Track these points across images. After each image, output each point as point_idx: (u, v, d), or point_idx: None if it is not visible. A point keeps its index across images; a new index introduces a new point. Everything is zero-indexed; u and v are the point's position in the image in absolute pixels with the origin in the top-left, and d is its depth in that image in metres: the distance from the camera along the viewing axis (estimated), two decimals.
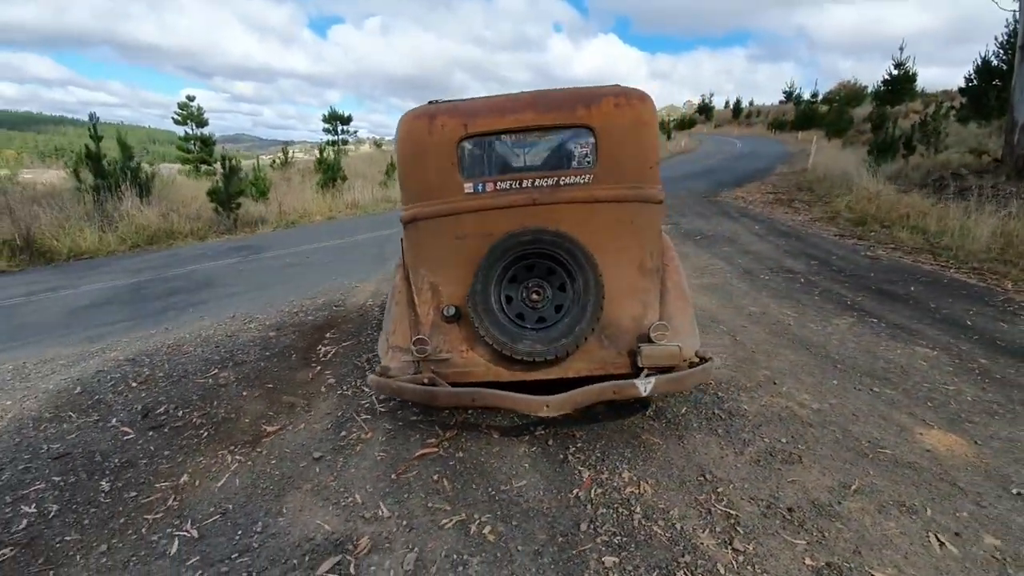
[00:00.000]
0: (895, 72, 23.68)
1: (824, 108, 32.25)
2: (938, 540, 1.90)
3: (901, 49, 23.78)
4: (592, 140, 2.52)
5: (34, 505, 2.24)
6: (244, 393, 3.18)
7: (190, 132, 23.76)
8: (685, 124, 45.63)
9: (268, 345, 3.89)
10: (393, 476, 2.34)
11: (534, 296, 2.43)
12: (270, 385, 3.27)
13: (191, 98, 23.84)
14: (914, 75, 24.08)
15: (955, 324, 3.98)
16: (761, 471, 2.30)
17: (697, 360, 2.41)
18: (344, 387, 3.22)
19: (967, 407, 2.80)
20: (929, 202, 8.13)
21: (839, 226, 8.07)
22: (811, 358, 3.42)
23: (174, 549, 1.97)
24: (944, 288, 4.90)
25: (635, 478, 2.28)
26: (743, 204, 10.40)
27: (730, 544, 1.90)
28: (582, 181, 2.52)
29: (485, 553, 1.89)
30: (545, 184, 2.52)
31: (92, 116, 10.74)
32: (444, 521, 2.05)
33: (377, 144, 33.65)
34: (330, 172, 15.36)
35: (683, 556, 1.85)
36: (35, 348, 4.20)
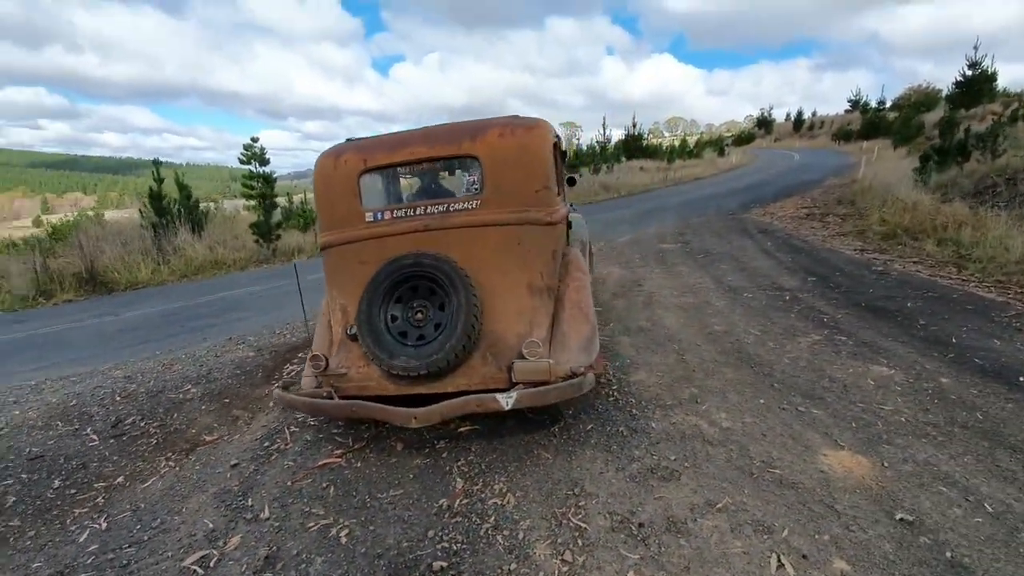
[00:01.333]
0: (969, 72, 22.04)
1: (893, 115, 30.41)
2: (778, 561, 1.86)
3: (976, 47, 22.13)
4: (479, 169, 2.70)
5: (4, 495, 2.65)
6: (203, 407, 3.54)
7: (253, 171, 26.10)
8: (743, 139, 44.39)
9: (242, 364, 4.28)
10: (289, 483, 2.56)
11: (418, 316, 2.61)
12: (227, 400, 3.62)
13: (255, 139, 25.93)
14: (993, 74, 22.28)
15: (936, 342, 3.73)
16: (634, 487, 2.32)
17: (569, 375, 2.48)
18: None
19: (894, 429, 2.66)
20: (972, 212, 7.56)
21: (865, 240, 7.66)
22: (752, 377, 3.35)
23: (83, 538, 2.28)
24: (948, 303, 4.59)
25: (505, 490, 2.37)
26: (769, 221, 10.05)
27: (561, 555, 1.95)
28: (470, 207, 2.70)
29: (331, 554, 2.05)
30: (436, 211, 2.72)
31: (156, 162, 12.14)
32: (311, 525, 2.24)
33: None
34: None
35: (512, 564, 1.93)
36: (61, 368, 4.84)
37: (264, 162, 27.83)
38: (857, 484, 2.26)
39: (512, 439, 2.81)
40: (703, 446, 2.61)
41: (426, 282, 2.59)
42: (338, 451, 2.81)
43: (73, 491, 2.67)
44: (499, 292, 2.68)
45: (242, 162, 27.65)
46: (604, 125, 38.32)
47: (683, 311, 4.80)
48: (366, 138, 2.98)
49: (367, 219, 2.78)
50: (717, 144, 35.09)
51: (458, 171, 2.84)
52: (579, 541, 2.03)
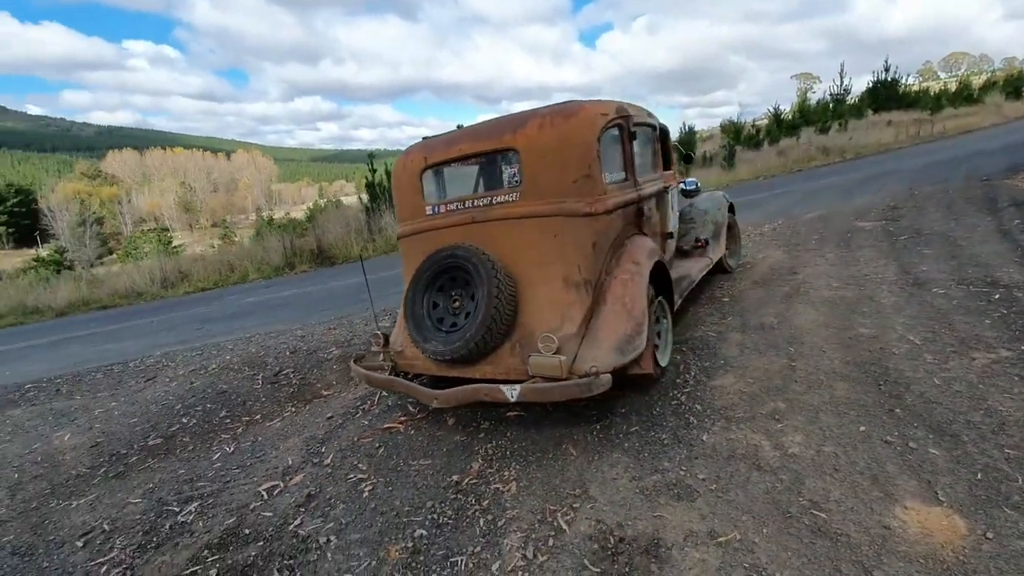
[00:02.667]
0: None
1: None
2: None
3: None
4: (518, 161, 2.74)
5: (188, 418, 3.75)
6: (335, 367, 4.35)
7: None
8: None
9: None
10: (356, 439, 3.06)
11: (455, 304, 2.81)
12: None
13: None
14: None
15: None
16: (639, 500, 2.19)
17: (585, 375, 2.40)
18: None
19: (1015, 493, 1.94)
20: None
21: None
22: (870, 397, 2.72)
23: (215, 457, 3.12)
24: None
25: (513, 478, 2.46)
26: None
27: (526, 550, 1.99)
28: (510, 199, 2.77)
29: (351, 504, 2.44)
30: (482, 204, 2.86)
31: (370, 155, 14.52)
32: (351, 476, 2.67)
33: None
34: None
35: (477, 547, 2.05)
36: (271, 325, 6.37)
37: None
38: (928, 552, 1.76)
39: (550, 430, 2.84)
40: (748, 470, 2.29)
41: (462, 273, 2.76)
42: (403, 418, 3.22)
43: (228, 421, 3.62)
44: (535, 284, 2.71)
45: None
46: (841, 73, 32.36)
47: (830, 307, 4.03)
48: (436, 136, 3.24)
49: (427, 212, 3.06)
50: (1010, 85, 26.53)
51: (501, 164, 2.91)
52: (551, 541, 2.03)
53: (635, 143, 3.21)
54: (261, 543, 2.26)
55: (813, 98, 32.31)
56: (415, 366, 2.98)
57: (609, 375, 2.39)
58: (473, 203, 2.90)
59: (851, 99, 31.32)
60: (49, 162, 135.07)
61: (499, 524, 2.16)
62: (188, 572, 2.14)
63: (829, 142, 20.22)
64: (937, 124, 21.69)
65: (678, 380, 3.19)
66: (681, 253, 4.65)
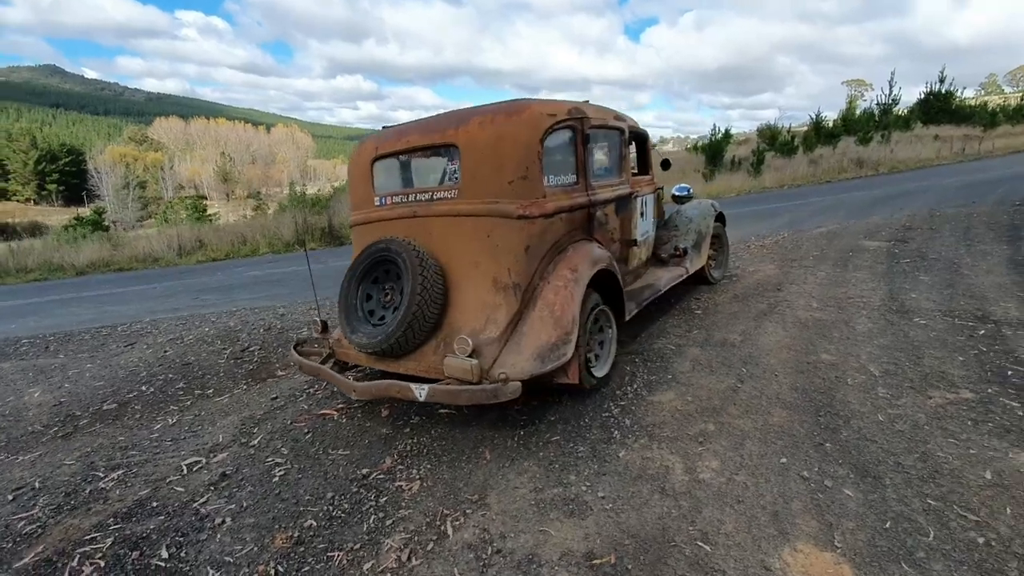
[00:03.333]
0: None
1: None
2: None
3: None
4: (459, 158, 2.69)
5: (147, 386, 3.85)
6: None
7: None
8: None
9: None
10: (290, 422, 3.09)
11: (387, 297, 2.79)
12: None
13: None
14: None
15: None
16: (531, 513, 2.15)
17: (499, 380, 2.35)
18: None
19: (955, 551, 1.83)
20: None
21: None
22: (805, 428, 2.60)
23: (156, 427, 3.19)
24: None
25: (420, 476, 2.44)
26: None
27: (403, 552, 1.98)
28: (449, 196, 2.73)
29: (259, 487, 2.46)
30: (424, 199, 2.83)
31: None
32: (269, 459, 2.69)
33: (695, 146, 28.35)
34: None
35: (358, 545, 2.05)
36: (260, 300, 6.48)
37: None
38: None
39: (475, 431, 2.81)
40: (650, 492, 2.22)
41: (395, 266, 2.74)
42: (340, 405, 3.24)
43: (182, 393, 3.70)
44: (466, 284, 2.68)
45: None
46: (891, 81, 30.97)
47: (800, 329, 3.88)
48: (394, 126, 3.21)
49: (375, 203, 3.04)
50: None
51: (445, 159, 2.85)
52: (431, 546, 2.01)
53: (593, 147, 3.12)
54: (162, 517, 2.30)
55: (863, 106, 31.01)
56: (351, 356, 2.98)
57: (519, 383, 2.34)
58: (416, 197, 2.86)
59: (900, 110, 29.95)
60: (101, 125, 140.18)
61: (387, 523, 2.15)
62: (88, 538, 2.20)
63: (867, 154, 19.40)
64: (987, 141, 20.56)
65: (618, 392, 3.11)
66: (659, 261, 4.54)
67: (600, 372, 3.03)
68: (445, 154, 2.82)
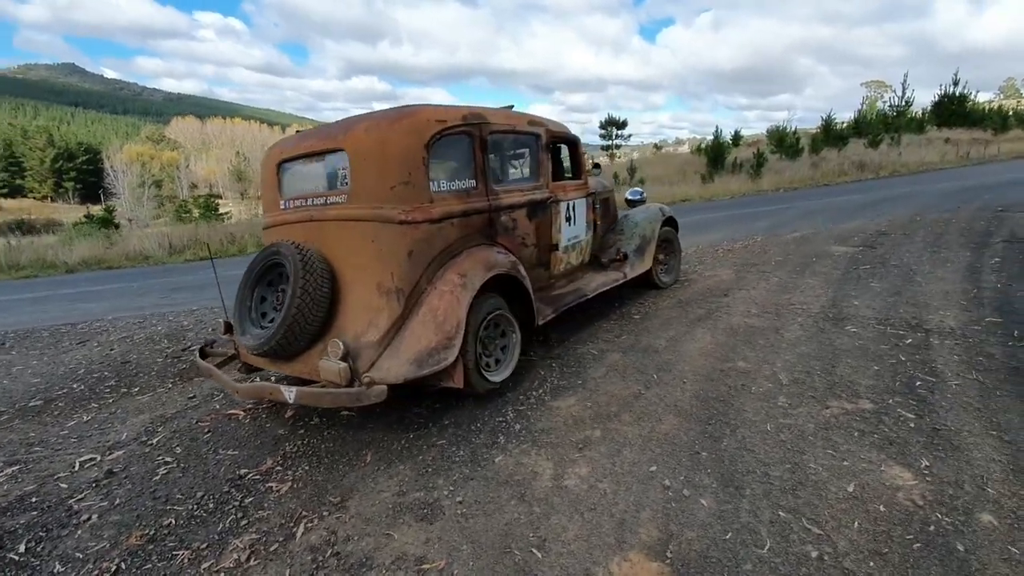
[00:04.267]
0: None
1: None
2: None
3: None
4: (347, 163, 2.72)
5: (79, 384, 3.93)
6: None
7: None
8: None
9: None
10: (196, 421, 3.14)
11: (279, 299, 2.82)
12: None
13: (510, 106, 29.08)
14: None
15: None
16: (384, 517, 2.16)
17: (362, 384, 2.38)
18: None
19: (751, 560, 1.81)
20: None
21: None
22: (688, 436, 2.58)
23: (69, 424, 3.26)
24: None
25: (293, 478, 2.47)
26: None
27: (245, 552, 2.01)
28: (339, 201, 2.76)
29: (139, 485, 2.51)
30: (319, 203, 2.86)
31: None
32: (159, 459, 2.74)
33: (698, 148, 27.40)
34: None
35: (203, 545, 2.08)
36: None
37: None
38: None
39: (367, 434, 2.84)
40: (509, 498, 2.22)
41: (284, 269, 2.77)
42: (249, 406, 3.28)
43: (108, 391, 3.77)
44: (354, 288, 2.70)
45: None
46: (904, 84, 30.45)
47: (728, 335, 3.84)
48: (301, 131, 3.25)
49: (280, 207, 3.08)
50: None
51: (338, 165, 2.87)
52: (274, 547, 2.04)
53: (498, 152, 3.12)
54: (36, 513, 2.36)
55: (882, 107, 30.49)
56: (250, 358, 3.02)
57: (383, 388, 2.36)
58: (313, 201, 2.89)
59: (913, 112, 29.42)
60: (119, 124, 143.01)
61: (243, 523, 2.18)
62: None
63: (872, 157, 19.09)
64: (994, 145, 20.13)
65: (522, 397, 3.12)
66: (599, 265, 4.53)
67: (498, 377, 3.04)
68: (337, 159, 2.85)
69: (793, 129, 23.69)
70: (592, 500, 2.17)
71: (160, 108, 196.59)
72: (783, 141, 25.48)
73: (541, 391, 3.18)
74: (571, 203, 3.86)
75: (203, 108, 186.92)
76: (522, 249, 3.32)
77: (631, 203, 5.43)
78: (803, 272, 5.49)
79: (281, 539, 2.08)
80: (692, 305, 4.63)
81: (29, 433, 3.19)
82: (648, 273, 4.89)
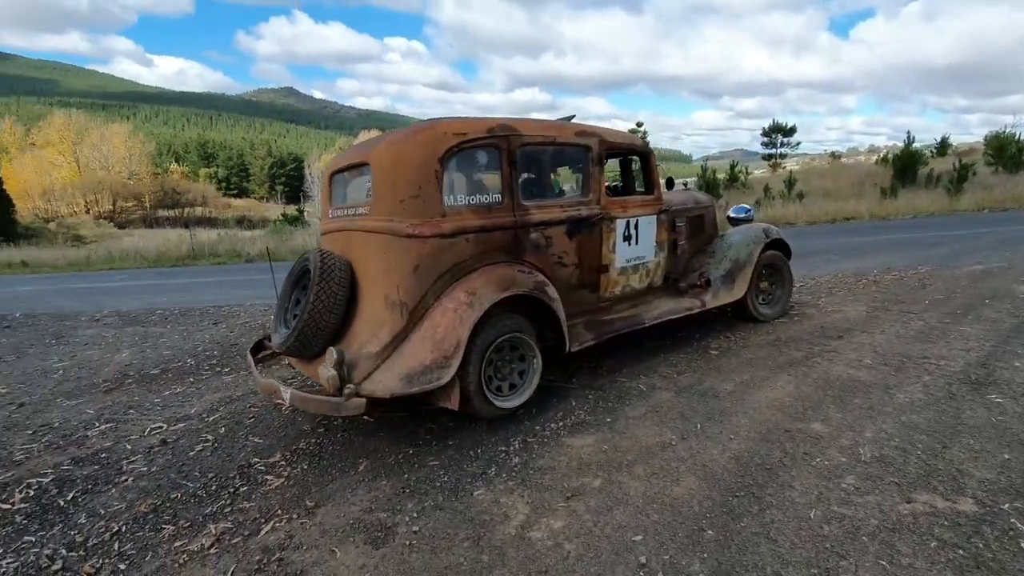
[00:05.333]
0: None
1: None
2: None
3: None
4: (371, 176, 2.79)
5: (192, 359, 4.62)
6: None
7: None
8: None
9: None
10: (248, 405, 3.48)
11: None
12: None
13: (639, 124, 28.17)
14: None
15: None
16: (340, 532, 2.14)
17: (344, 395, 2.39)
18: None
19: None
20: None
21: None
22: (700, 507, 2.16)
23: (167, 393, 3.83)
24: None
25: (290, 474, 2.58)
26: None
27: (209, 540, 2.14)
28: (364, 212, 2.85)
29: (174, 457, 2.84)
30: (351, 214, 2.99)
31: None
32: (204, 435, 3.08)
33: (884, 158, 22.90)
34: (711, 189, 15.49)
35: (185, 524, 2.26)
36: None
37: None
38: None
39: (374, 443, 2.87)
40: (464, 539, 2.06)
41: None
42: None
43: (208, 368, 4.36)
44: (368, 297, 2.77)
45: None
46: None
47: (818, 388, 3.17)
48: (354, 144, 3.43)
49: (329, 215, 3.29)
50: None
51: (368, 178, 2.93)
52: (237, 540, 2.13)
53: (533, 166, 2.95)
54: (97, 467, 2.80)
55: None
56: (288, 357, 3.26)
57: (362, 400, 2.36)
58: (348, 212, 3.03)
59: None
60: (321, 137, 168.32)
61: (226, 510, 2.33)
62: (43, 471, 2.77)
63: None
64: None
65: (537, 427, 2.91)
66: (677, 290, 4.09)
67: (509, 404, 2.86)
68: (366, 172, 2.94)
69: (1018, 136, 19.15)
70: (548, 561, 1.92)
71: (353, 123, 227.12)
72: (1003, 151, 20.74)
73: (561, 424, 2.93)
74: (632, 221, 3.52)
75: (386, 122, 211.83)
76: (558, 269, 3.10)
77: (734, 221, 4.81)
78: (963, 317, 4.34)
79: (246, 533, 2.18)
80: (789, 346, 3.92)
81: (135, 397, 3.83)
82: (742, 303, 4.28)
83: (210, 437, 3.06)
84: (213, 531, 2.21)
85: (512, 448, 2.71)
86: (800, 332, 4.23)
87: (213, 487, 2.54)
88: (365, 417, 3.15)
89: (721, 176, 20.66)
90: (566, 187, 3.40)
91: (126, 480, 2.66)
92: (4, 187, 30.62)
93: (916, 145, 20.56)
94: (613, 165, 3.92)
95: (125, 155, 59.78)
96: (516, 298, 2.80)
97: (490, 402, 2.78)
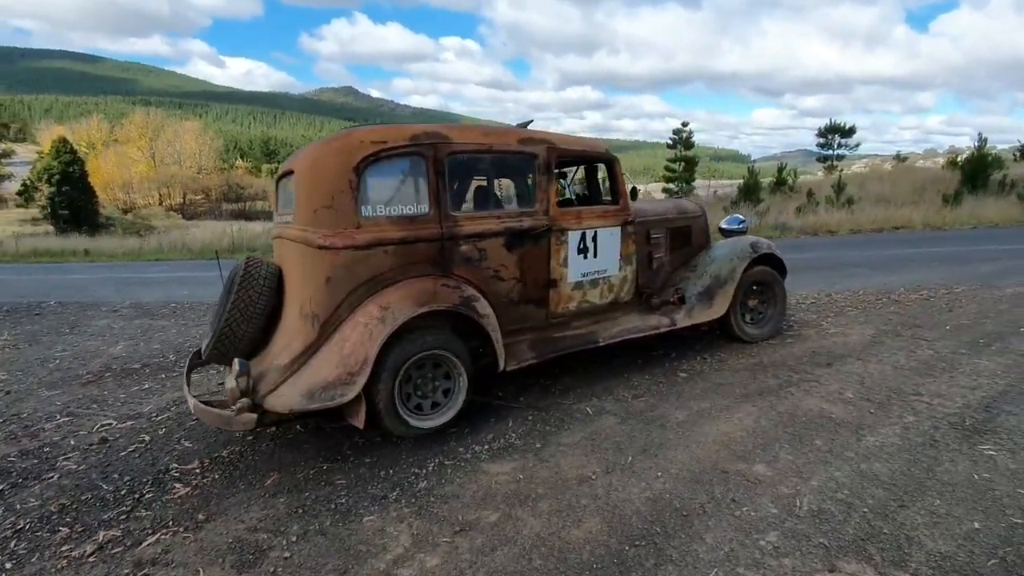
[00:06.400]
0: None
1: None
2: None
3: None
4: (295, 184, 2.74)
5: (175, 355, 4.75)
6: None
7: (678, 154, 27.34)
8: None
9: None
10: None
11: None
12: None
13: (685, 124, 27.32)
14: None
15: None
16: (216, 551, 2.09)
17: (241, 407, 2.34)
18: None
19: None
20: None
21: None
22: (593, 554, 1.97)
23: (141, 388, 3.94)
24: None
25: (201, 484, 2.56)
26: None
27: (93, 548, 2.14)
28: (290, 221, 2.80)
29: (106, 455, 2.89)
30: (283, 221, 2.95)
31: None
32: (144, 434, 3.12)
33: (952, 162, 20.42)
34: (750, 192, 14.81)
35: (83, 518, 2.27)
36: None
37: (688, 145, 28.96)
38: None
39: (294, 454, 2.81)
40: (329, 571, 1.96)
41: None
42: None
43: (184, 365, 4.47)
44: (288, 307, 2.73)
45: (669, 146, 29.62)
46: None
47: (780, 423, 2.88)
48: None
49: (276, 220, 3.26)
50: None
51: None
52: (117, 551, 2.12)
53: (462, 174, 2.81)
54: (36, 461, 2.88)
55: None
56: None
57: (252, 416, 2.31)
58: (284, 219, 2.99)
59: None
60: None
61: (122, 517, 2.32)
62: None
63: None
64: None
65: (461, 448, 2.77)
66: (649, 306, 3.84)
67: (428, 423, 2.74)
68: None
69: None
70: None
71: (406, 121, 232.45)
72: None
73: (487, 447, 2.78)
74: (589, 233, 3.30)
75: (438, 120, 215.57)
76: (495, 283, 2.95)
77: (726, 233, 4.50)
78: (984, 348, 3.87)
79: (129, 544, 2.16)
80: (768, 372, 3.61)
81: (104, 391, 3.96)
82: (724, 322, 3.98)
83: (147, 438, 3.10)
84: (101, 538, 2.20)
85: (425, 471, 2.59)
86: (786, 356, 3.88)
87: (123, 491, 2.55)
88: (298, 427, 3.12)
89: (766, 180, 19.67)
90: (509, 197, 3.24)
91: (52, 477, 2.72)
92: (89, 180, 33.08)
93: (1000, 147, 18.79)
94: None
95: (196, 151, 63.41)
96: (442, 313, 2.68)
97: (404, 421, 2.66)
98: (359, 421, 2.51)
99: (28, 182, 41.66)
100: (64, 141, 34.61)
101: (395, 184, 2.72)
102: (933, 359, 3.68)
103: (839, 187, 15.16)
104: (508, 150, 2.98)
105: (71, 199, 30.71)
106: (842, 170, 22.59)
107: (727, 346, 4.13)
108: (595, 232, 3.34)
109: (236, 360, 2.50)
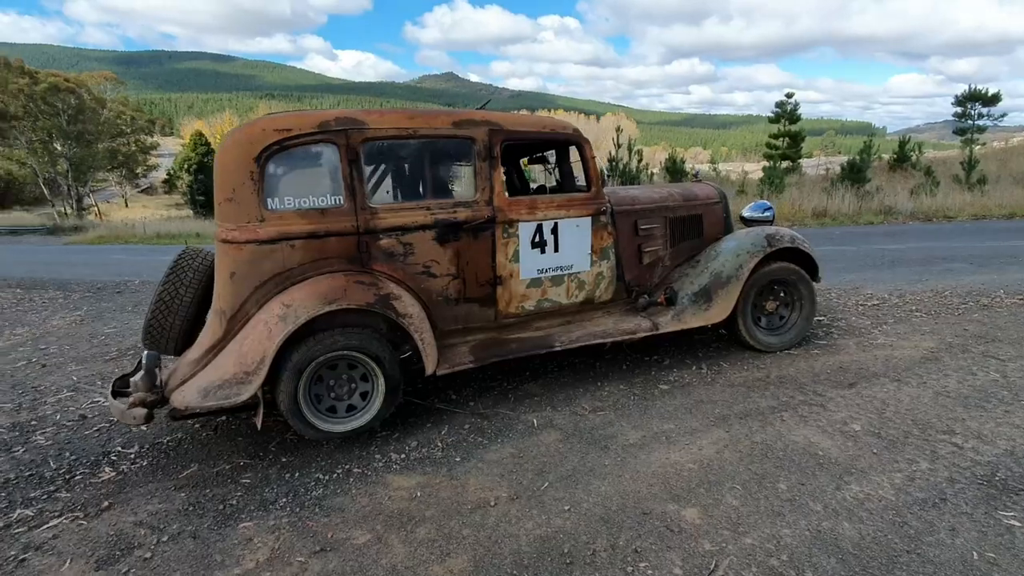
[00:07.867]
0: None
1: None
2: None
3: None
4: None
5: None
6: None
7: (782, 129, 24.74)
8: None
9: None
10: None
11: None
12: None
13: (790, 95, 24.57)
14: None
15: None
16: (95, 545, 2.13)
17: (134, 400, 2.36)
18: None
19: None
20: None
21: None
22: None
23: None
24: None
25: (129, 470, 2.65)
26: None
27: (2, 523, 2.27)
28: None
29: (72, 431, 3.10)
30: None
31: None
32: None
33: None
34: (856, 171, 13.12)
35: (11, 496, 2.43)
36: None
37: (794, 120, 26.21)
38: None
39: (229, 445, 2.83)
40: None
41: None
42: None
43: None
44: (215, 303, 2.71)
45: (771, 120, 26.98)
46: None
47: (746, 457, 2.42)
48: None
49: None
50: None
51: None
52: (21, 530, 2.23)
53: (383, 161, 2.60)
54: (17, 434, 3.17)
55: None
56: None
57: (142, 412, 2.31)
58: None
59: None
60: None
61: (44, 498, 2.45)
62: None
63: None
64: None
65: (376, 455, 2.63)
66: (633, 307, 3.43)
67: (338, 427, 2.60)
68: None
69: None
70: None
71: (506, 104, 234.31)
72: None
73: (405, 456, 2.61)
74: (546, 224, 2.97)
75: (535, 102, 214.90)
76: (425, 280, 2.73)
77: (748, 222, 3.90)
78: None
79: (32, 525, 2.26)
80: (767, 390, 3.07)
81: (118, 368, 4.28)
82: (730, 325, 3.47)
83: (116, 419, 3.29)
84: (15, 517, 2.33)
85: (328, 477, 2.48)
86: (801, 371, 3.28)
87: (63, 470, 2.70)
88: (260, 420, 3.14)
89: (885, 156, 17.24)
90: (443, 187, 2.98)
91: (19, 451, 2.96)
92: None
93: None
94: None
95: None
96: (363, 312, 2.53)
97: (310, 424, 2.56)
98: (257, 422, 2.44)
99: (171, 172, 47.70)
100: (200, 134, 39.07)
101: (304, 175, 2.59)
102: (994, 386, 2.92)
103: (970, 164, 12.85)
104: (438, 134, 2.72)
105: (206, 187, 34.88)
106: (983, 144, 19.18)
107: (735, 354, 3.59)
108: (555, 224, 2.99)
109: (145, 353, 2.54)
